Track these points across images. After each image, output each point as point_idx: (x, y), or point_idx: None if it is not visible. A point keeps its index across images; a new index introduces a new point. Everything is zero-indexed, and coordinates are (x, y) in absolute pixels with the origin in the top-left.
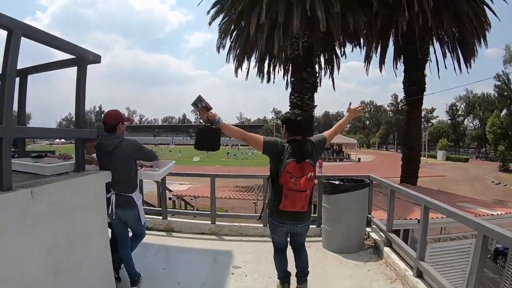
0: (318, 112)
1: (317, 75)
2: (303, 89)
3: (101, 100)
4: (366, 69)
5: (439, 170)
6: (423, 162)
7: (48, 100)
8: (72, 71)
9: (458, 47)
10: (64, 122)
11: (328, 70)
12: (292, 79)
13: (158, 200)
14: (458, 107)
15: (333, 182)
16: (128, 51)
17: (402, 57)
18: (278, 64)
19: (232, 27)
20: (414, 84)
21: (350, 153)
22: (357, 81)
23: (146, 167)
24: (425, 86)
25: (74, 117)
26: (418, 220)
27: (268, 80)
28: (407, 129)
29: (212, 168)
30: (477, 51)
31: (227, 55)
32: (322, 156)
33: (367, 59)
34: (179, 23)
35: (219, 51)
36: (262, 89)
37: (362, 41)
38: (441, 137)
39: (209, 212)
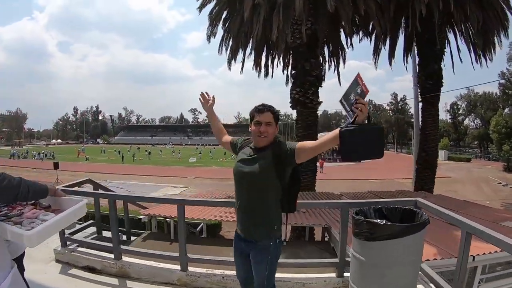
0: (322, 109)
1: (322, 67)
2: (306, 82)
3: (99, 100)
4: (375, 62)
5: (443, 171)
6: None
7: (45, 100)
8: (69, 72)
9: (478, 38)
10: (60, 122)
11: (333, 63)
12: (293, 71)
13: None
14: (459, 106)
15: (373, 221)
16: (126, 51)
17: (416, 48)
18: (277, 56)
19: (225, 13)
20: (431, 78)
21: None
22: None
23: (40, 208)
24: (443, 81)
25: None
26: None
27: (266, 74)
28: (423, 129)
29: (207, 170)
30: (501, 42)
31: (220, 45)
32: (322, 156)
33: (376, 51)
34: (177, 23)
35: (209, 40)
36: (262, 89)
37: (372, 30)
38: (441, 136)
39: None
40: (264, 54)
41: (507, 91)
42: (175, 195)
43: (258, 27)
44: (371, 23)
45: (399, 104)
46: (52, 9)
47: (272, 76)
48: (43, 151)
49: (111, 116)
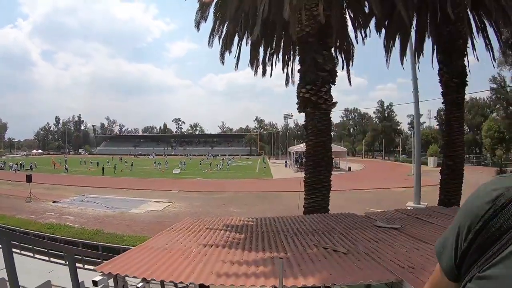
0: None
1: (336, 61)
2: (319, 79)
3: (81, 110)
4: (387, 60)
5: (437, 178)
6: (413, 170)
7: (27, 109)
8: (52, 81)
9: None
10: (42, 132)
11: (342, 59)
12: (300, 67)
13: None
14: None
15: None
16: (110, 60)
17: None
18: (282, 47)
19: None
20: (457, 77)
21: (339, 162)
22: (338, 90)
23: None
24: (467, 80)
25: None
26: None
27: (264, 73)
28: (449, 134)
29: (193, 182)
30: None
31: (210, 36)
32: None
33: (388, 47)
34: (161, 32)
35: (199, 27)
36: (244, 99)
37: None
38: (429, 143)
39: None
40: (262, 48)
41: (498, 95)
42: (158, 211)
43: (264, 5)
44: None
45: (386, 112)
46: (36, 17)
47: (271, 74)
48: (20, 162)
49: (93, 126)
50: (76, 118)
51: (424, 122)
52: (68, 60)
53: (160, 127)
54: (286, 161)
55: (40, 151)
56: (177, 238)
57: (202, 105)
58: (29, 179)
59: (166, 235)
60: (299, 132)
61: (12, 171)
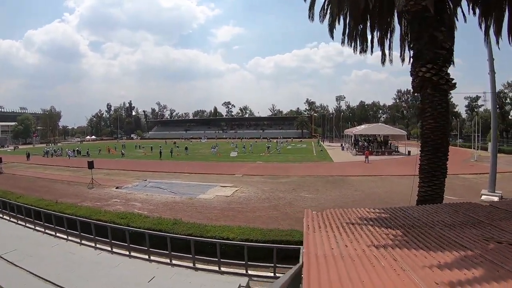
0: (353, 103)
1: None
2: (439, 57)
3: (131, 97)
4: (497, 41)
5: (502, 165)
6: (477, 155)
7: (79, 98)
8: (99, 72)
9: None
10: (94, 119)
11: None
12: (414, 44)
13: None
14: (506, 95)
15: None
16: (157, 48)
17: None
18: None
19: None
20: None
21: (398, 146)
22: (388, 71)
23: None
24: None
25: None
26: None
27: (365, 50)
28: None
29: (254, 166)
30: None
31: (321, 10)
32: (369, 149)
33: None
34: (206, 18)
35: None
36: (292, 81)
37: None
38: (488, 127)
39: None
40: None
41: None
42: (227, 196)
43: None
44: None
45: None
46: (82, 11)
47: (372, 52)
48: (76, 148)
49: (144, 111)
50: (127, 105)
51: (482, 105)
52: (117, 49)
53: (211, 111)
54: (342, 144)
55: (93, 137)
56: (333, 239)
57: (250, 89)
58: (91, 165)
59: (314, 236)
60: (351, 114)
61: (71, 158)
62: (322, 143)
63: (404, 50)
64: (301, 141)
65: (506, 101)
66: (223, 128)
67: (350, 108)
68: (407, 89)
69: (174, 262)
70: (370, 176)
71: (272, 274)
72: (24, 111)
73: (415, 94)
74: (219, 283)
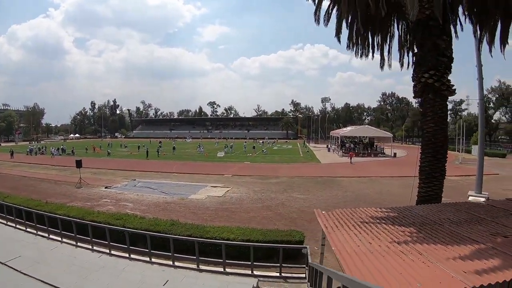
0: (338, 104)
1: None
2: (441, 64)
3: (115, 95)
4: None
5: (485, 167)
6: (461, 158)
7: (63, 96)
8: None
9: None
10: (78, 117)
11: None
12: (417, 51)
13: None
14: (489, 99)
15: None
16: (142, 46)
17: None
18: (379, 28)
19: None
20: None
21: (384, 148)
22: (373, 73)
23: None
24: None
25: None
26: None
27: (367, 54)
28: None
29: (242, 166)
30: None
31: (326, 13)
32: (356, 151)
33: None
34: (192, 17)
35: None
36: (277, 82)
37: None
38: (471, 130)
39: None
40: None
41: None
42: (219, 197)
43: None
44: None
45: None
46: (67, 6)
47: (373, 57)
48: (61, 146)
49: (128, 110)
50: (112, 103)
51: (466, 109)
52: (101, 47)
53: (196, 110)
54: (328, 146)
55: (77, 135)
56: (355, 237)
57: (235, 89)
58: (79, 164)
59: (336, 235)
60: (336, 116)
61: (56, 156)
62: (307, 144)
63: (403, 56)
64: (286, 142)
65: (490, 105)
66: (208, 128)
67: (335, 109)
68: (391, 92)
69: (176, 264)
70: (358, 177)
71: (278, 274)
72: (6, 107)
73: (415, 98)
74: (233, 285)
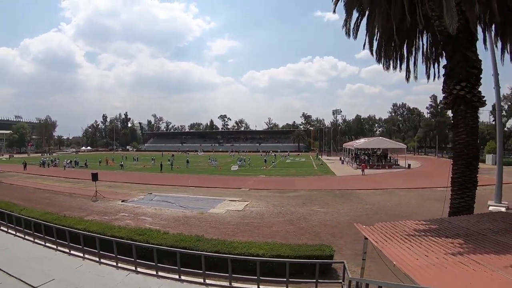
0: (348, 116)
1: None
2: (472, 76)
3: (126, 108)
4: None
5: (503, 177)
6: None
7: (74, 108)
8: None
9: None
10: (90, 129)
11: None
12: (447, 63)
13: None
14: (502, 108)
15: None
16: (153, 60)
17: None
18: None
19: None
20: None
21: (398, 159)
22: (381, 84)
23: None
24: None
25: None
26: None
27: (395, 66)
28: None
29: (257, 180)
30: None
31: (342, 24)
32: (369, 163)
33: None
34: (202, 31)
35: (349, 29)
36: (286, 95)
37: None
38: (484, 140)
39: None
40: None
41: None
42: (239, 211)
43: None
44: None
45: (439, 107)
46: (78, 21)
47: (400, 69)
48: (74, 159)
49: (140, 123)
50: (123, 116)
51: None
52: (112, 60)
53: (207, 123)
54: (341, 158)
55: (89, 148)
56: (409, 250)
57: (244, 102)
58: (95, 177)
59: (390, 249)
60: (347, 128)
61: (68, 168)
62: (320, 156)
63: (430, 68)
64: (298, 154)
65: (502, 114)
66: (219, 141)
67: (346, 121)
68: (402, 103)
69: (207, 281)
70: (375, 189)
71: None
72: (19, 119)
73: (446, 109)
74: None
